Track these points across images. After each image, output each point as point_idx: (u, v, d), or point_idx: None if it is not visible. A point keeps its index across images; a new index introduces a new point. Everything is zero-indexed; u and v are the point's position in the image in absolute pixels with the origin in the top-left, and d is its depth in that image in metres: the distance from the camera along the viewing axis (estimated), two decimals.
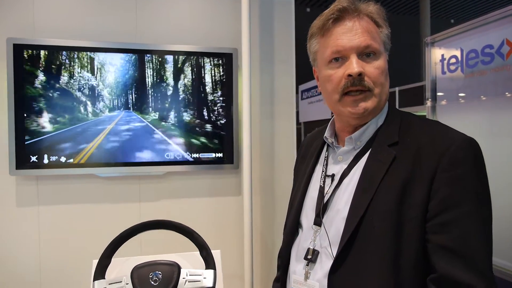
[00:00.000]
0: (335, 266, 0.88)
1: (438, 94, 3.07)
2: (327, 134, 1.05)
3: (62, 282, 2.13)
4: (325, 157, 1.05)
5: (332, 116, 1.07)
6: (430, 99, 3.13)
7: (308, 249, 0.96)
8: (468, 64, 2.85)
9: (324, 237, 0.94)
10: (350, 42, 0.90)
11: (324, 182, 1.00)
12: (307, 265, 0.95)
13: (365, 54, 0.91)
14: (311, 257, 0.94)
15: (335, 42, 0.91)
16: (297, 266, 0.99)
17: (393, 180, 0.86)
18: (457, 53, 2.94)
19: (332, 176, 0.99)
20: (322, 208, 0.96)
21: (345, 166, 0.98)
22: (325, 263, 0.92)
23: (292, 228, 1.05)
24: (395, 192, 0.85)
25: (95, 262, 1.18)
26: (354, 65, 0.89)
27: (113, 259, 1.20)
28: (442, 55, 3.12)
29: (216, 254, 1.31)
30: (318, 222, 0.96)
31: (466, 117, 2.66)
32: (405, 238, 0.83)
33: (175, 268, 1.15)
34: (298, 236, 1.03)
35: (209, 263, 1.20)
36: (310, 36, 1.01)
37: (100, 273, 1.15)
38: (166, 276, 1.14)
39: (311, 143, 1.16)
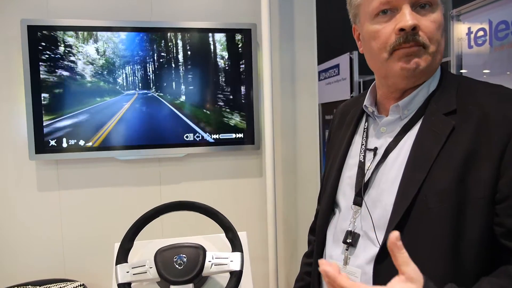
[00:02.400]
0: (382, 254, 0.77)
1: (462, 71, 2.93)
2: (367, 102, 0.93)
3: (86, 266, 2.12)
4: (364, 128, 0.93)
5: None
6: None
7: (347, 231, 0.86)
8: (497, 37, 2.70)
9: (367, 219, 0.83)
10: None
11: (364, 156, 0.89)
12: (347, 249, 0.85)
13: (420, 5, 0.78)
14: (351, 240, 0.84)
15: None
16: (334, 249, 0.90)
17: (452, 155, 0.74)
18: (485, 25, 2.78)
19: (375, 150, 0.87)
20: (363, 186, 0.86)
21: (390, 139, 0.85)
22: (368, 249, 0.82)
23: (327, 208, 0.95)
24: (455, 168, 0.73)
25: (117, 245, 1.14)
26: (407, 17, 0.76)
27: (135, 242, 1.16)
28: (469, 28, 2.97)
29: (242, 236, 1.25)
30: (358, 202, 0.86)
31: None
32: (467, 221, 0.72)
33: (201, 251, 1.10)
34: (335, 217, 0.94)
35: (236, 245, 1.15)
36: None
37: (122, 257, 1.10)
38: (191, 259, 1.09)
39: (346, 112, 1.04)
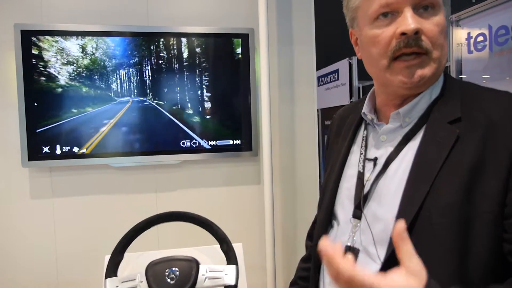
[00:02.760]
0: (383, 272, 0.73)
1: (462, 76, 2.90)
2: (365, 109, 0.87)
3: (79, 275, 2.07)
4: (363, 136, 0.88)
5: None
6: None
7: (346, 246, 0.81)
8: (497, 42, 2.68)
9: (367, 233, 0.78)
10: None
11: (364, 167, 0.84)
12: None
13: (422, 7, 0.73)
14: (350, 256, 0.80)
15: None
16: None
17: (457, 166, 0.69)
18: (485, 30, 2.76)
19: (375, 160, 0.82)
20: (362, 198, 0.80)
21: (391, 149, 0.80)
22: (368, 265, 0.76)
23: (325, 221, 0.89)
24: (460, 180, 0.67)
25: (107, 257, 1.09)
26: (409, 20, 0.70)
27: (126, 255, 1.11)
28: (469, 34, 2.94)
29: (238, 247, 1.20)
30: (358, 214, 0.81)
31: None
32: (474, 238, 0.66)
33: (194, 264, 1.06)
34: (333, 230, 0.89)
35: (231, 258, 1.10)
36: None
37: (112, 270, 1.06)
38: (184, 273, 1.04)
39: (345, 118, 0.98)
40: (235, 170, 2.24)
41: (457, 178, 0.68)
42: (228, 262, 1.10)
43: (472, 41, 2.85)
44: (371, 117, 0.87)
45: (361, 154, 0.86)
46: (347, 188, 0.87)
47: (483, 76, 2.67)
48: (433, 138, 0.74)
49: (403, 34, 0.72)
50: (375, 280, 0.52)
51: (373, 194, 0.80)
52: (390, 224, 0.73)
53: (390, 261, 0.70)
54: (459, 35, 2.98)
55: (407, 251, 0.55)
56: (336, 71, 4.38)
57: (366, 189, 0.81)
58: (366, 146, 0.86)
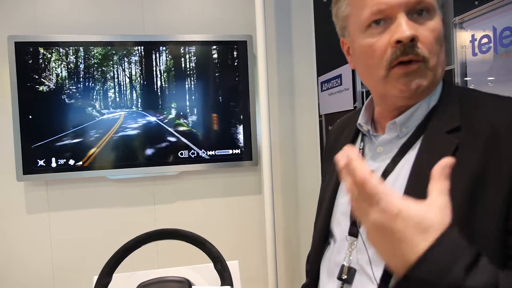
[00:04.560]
0: None
1: (467, 79, 2.84)
2: (361, 120, 0.83)
3: None
4: (360, 149, 0.83)
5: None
6: (459, 85, 2.90)
7: (343, 266, 0.76)
8: (502, 43, 2.62)
9: (363, 252, 0.73)
10: None
11: None
12: (342, 286, 0.75)
13: (416, 12, 0.68)
14: (346, 277, 0.74)
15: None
16: (328, 285, 0.79)
17: (457, 179, 0.62)
18: (489, 32, 2.70)
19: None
20: None
21: (387, 160, 0.75)
22: (364, 286, 0.72)
23: (321, 238, 0.84)
24: (461, 193, 0.62)
25: (96, 278, 1.04)
26: (404, 27, 0.66)
27: (117, 275, 1.06)
28: (473, 36, 2.88)
29: (233, 265, 1.14)
30: (354, 232, 0.76)
31: None
32: None
33: (186, 286, 1.00)
34: (329, 248, 0.83)
35: (225, 278, 1.04)
36: None
37: None
38: None
39: (341, 130, 0.94)
40: (235, 180, 2.19)
41: (457, 192, 0.62)
42: (222, 283, 1.04)
43: (476, 43, 2.79)
44: (367, 128, 0.82)
45: None
46: (343, 204, 0.82)
47: (489, 78, 2.61)
48: (431, 149, 0.69)
49: (398, 42, 0.67)
50: (394, 200, 0.49)
51: None
52: None
53: (385, 281, 0.66)
54: (463, 37, 2.93)
55: (441, 188, 0.51)
56: (339, 76, 4.32)
57: None
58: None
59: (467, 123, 0.68)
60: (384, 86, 0.72)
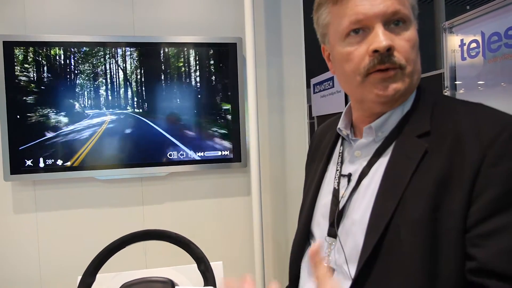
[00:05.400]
0: None
1: (457, 82, 2.88)
2: (341, 125, 0.86)
3: None
4: (339, 152, 0.86)
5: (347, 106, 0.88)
6: (449, 88, 2.93)
7: None
8: (490, 48, 2.65)
9: (340, 252, 0.77)
10: (373, 7, 0.70)
11: (339, 183, 0.82)
12: None
13: (393, 22, 0.72)
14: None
15: (354, 9, 0.72)
16: (308, 284, 0.83)
17: (424, 181, 0.68)
18: (478, 37, 2.74)
19: (349, 176, 0.80)
20: (337, 215, 0.78)
21: (364, 164, 0.79)
22: (342, 283, 0.75)
23: (302, 239, 0.88)
24: (428, 195, 0.66)
25: (80, 278, 1.05)
26: (380, 37, 0.70)
27: (101, 275, 1.07)
28: (462, 40, 2.92)
29: (217, 266, 1.16)
30: (332, 233, 0.79)
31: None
32: (442, 254, 0.64)
33: (169, 286, 1.01)
34: (310, 248, 0.86)
35: (208, 278, 1.05)
36: (318, 5, 0.81)
37: None
38: None
39: (323, 135, 0.97)
40: (224, 181, 2.20)
41: (425, 193, 0.67)
42: (205, 283, 1.05)
43: (465, 48, 2.83)
44: (346, 132, 0.86)
45: (337, 170, 0.85)
46: (323, 205, 0.85)
47: (478, 83, 2.65)
48: (402, 152, 0.73)
49: (375, 51, 0.71)
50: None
51: (347, 211, 0.78)
52: (359, 241, 0.72)
53: (359, 279, 0.70)
54: (453, 41, 2.97)
55: (323, 273, 0.56)
56: (331, 78, 4.37)
57: (340, 206, 0.79)
58: (341, 162, 0.85)
59: (436, 128, 0.72)
60: (362, 91, 0.76)
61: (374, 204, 0.72)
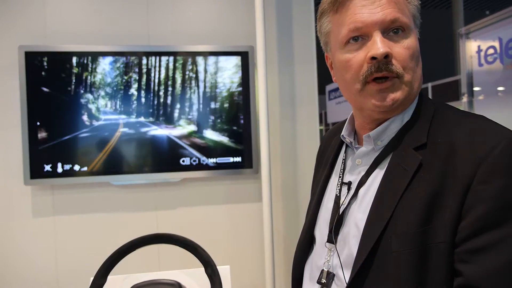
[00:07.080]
0: None
1: (475, 88, 2.85)
2: (344, 132, 0.87)
3: None
4: (343, 159, 0.87)
5: None
6: (466, 94, 2.89)
7: (322, 270, 0.81)
8: (508, 54, 2.62)
9: (337, 257, 0.78)
10: (372, 15, 0.71)
11: (340, 190, 0.83)
12: None
13: (392, 30, 0.72)
14: (325, 281, 0.79)
15: (353, 17, 0.72)
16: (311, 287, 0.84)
17: (418, 193, 0.68)
18: (495, 43, 2.71)
19: (349, 184, 0.81)
20: (336, 222, 0.80)
21: (363, 173, 0.79)
22: None
23: (305, 243, 0.90)
24: (420, 208, 0.66)
25: (92, 279, 1.09)
26: (378, 45, 0.70)
27: (112, 277, 1.10)
28: (479, 46, 2.89)
29: (224, 270, 1.18)
30: (331, 239, 0.80)
31: (508, 113, 2.43)
32: (431, 269, 0.64)
33: None
34: (312, 252, 0.88)
35: (215, 282, 1.08)
36: (320, 14, 0.82)
37: None
38: None
39: (330, 140, 0.98)
40: (236, 188, 2.23)
41: (417, 206, 0.67)
42: (212, 287, 1.08)
43: (482, 54, 2.80)
44: (350, 140, 0.86)
45: (339, 177, 0.85)
46: (325, 211, 0.87)
47: (498, 89, 2.62)
48: (399, 164, 0.73)
49: (373, 58, 0.71)
50: None
51: (346, 218, 0.79)
52: (354, 249, 0.73)
53: (354, 286, 0.71)
54: (470, 47, 2.94)
55: None
56: None
57: (340, 213, 0.80)
58: (344, 170, 0.86)
59: (433, 140, 0.72)
60: (361, 99, 0.76)
61: (369, 214, 0.73)
